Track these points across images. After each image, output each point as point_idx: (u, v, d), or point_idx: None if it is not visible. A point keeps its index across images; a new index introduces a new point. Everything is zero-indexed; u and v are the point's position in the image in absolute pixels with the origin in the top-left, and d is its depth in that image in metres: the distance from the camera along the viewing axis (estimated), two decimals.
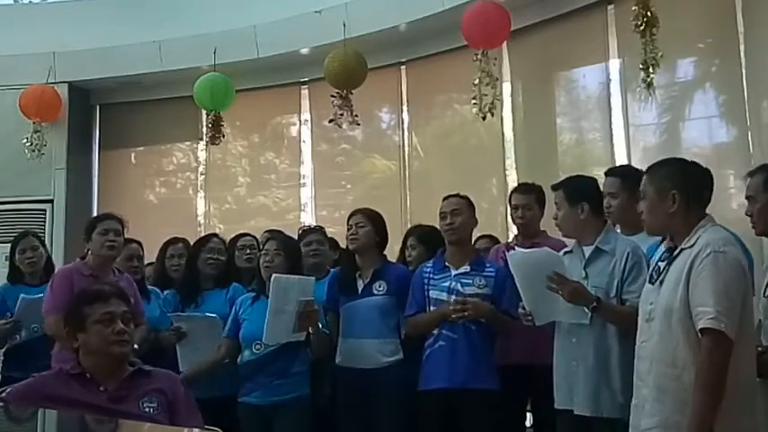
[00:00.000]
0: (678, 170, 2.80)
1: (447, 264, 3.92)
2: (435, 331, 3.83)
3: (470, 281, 3.84)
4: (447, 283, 3.86)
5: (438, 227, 4.39)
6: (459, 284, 3.84)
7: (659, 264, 2.81)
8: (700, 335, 2.56)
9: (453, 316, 3.76)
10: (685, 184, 2.74)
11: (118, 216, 4.28)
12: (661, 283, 2.73)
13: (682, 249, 2.70)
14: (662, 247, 2.89)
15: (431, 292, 3.89)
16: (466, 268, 3.88)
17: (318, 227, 4.85)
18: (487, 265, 3.95)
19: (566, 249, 3.53)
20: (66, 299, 3.88)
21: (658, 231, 2.88)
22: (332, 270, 4.40)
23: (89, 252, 4.17)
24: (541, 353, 3.69)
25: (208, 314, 4.16)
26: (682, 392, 2.60)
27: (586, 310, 3.23)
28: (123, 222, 4.24)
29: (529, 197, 4.29)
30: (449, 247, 3.97)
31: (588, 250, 3.39)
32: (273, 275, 3.77)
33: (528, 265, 3.37)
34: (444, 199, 4.03)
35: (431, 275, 3.92)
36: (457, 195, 4.05)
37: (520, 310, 3.49)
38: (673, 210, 2.72)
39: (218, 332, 4.08)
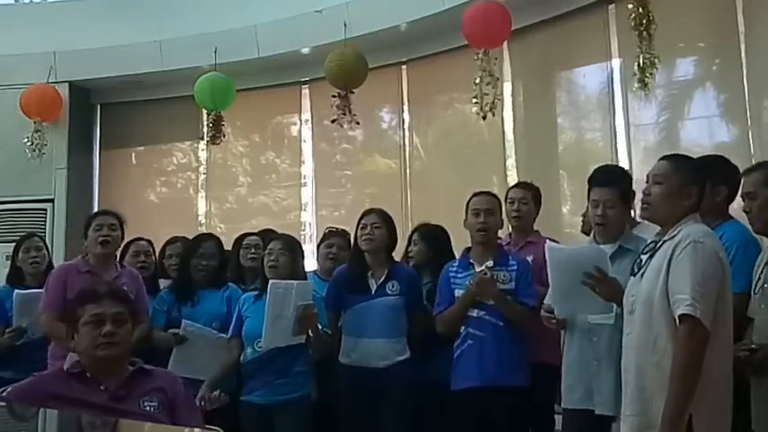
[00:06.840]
0: (701, 169, 2.88)
1: (471, 261, 3.87)
2: (463, 331, 3.78)
3: (494, 276, 3.78)
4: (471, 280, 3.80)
5: (441, 226, 4.40)
6: None
7: (642, 256, 2.85)
8: (677, 322, 2.59)
9: (474, 290, 3.70)
10: (703, 183, 2.83)
11: (114, 212, 4.26)
12: (642, 275, 2.77)
13: (664, 242, 2.74)
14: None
15: (456, 290, 3.84)
16: (489, 263, 3.81)
17: (344, 231, 4.75)
18: (511, 259, 3.88)
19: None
20: (59, 296, 3.90)
21: (661, 219, 2.85)
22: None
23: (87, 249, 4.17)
24: (536, 351, 3.71)
25: (221, 335, 4.10)
26: (662, 379, 2.62)
27: (617, 307, 3.12)
28: (120, 217, 4.21)
29: (526, 192, 4.28)
30: (475, 246, 3.91)
31: (609, 249, 3.30)
32: (270, 282, 3.76)
33: (568, 259, 3.23)
34: (475, 195, 3.95)
35: (456, 274, 3.88)
36: (489, 193, 3.99)
37: (543, 312, 3.42)
38: (688, 204, 2.77)
39: (219, 353, 4.01)
